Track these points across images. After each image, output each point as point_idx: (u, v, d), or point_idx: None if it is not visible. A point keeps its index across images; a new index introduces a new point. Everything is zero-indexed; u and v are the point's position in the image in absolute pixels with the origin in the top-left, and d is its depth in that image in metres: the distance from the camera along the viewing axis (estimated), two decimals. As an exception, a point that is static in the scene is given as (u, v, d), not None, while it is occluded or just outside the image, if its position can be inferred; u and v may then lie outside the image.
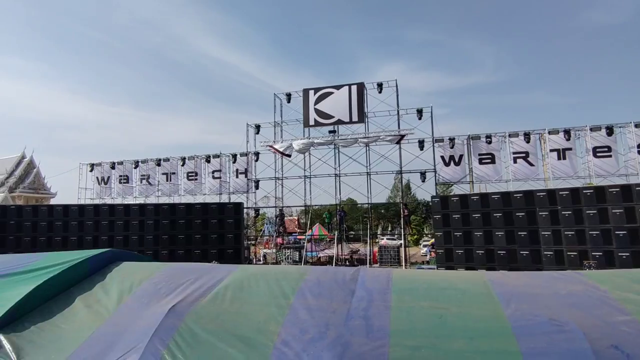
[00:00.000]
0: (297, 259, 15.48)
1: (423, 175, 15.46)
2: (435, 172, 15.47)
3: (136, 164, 19.24)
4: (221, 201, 17.81)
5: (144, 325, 3.04)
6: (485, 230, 13.19)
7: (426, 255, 22.63)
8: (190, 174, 18.85)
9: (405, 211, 15.86)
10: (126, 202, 17.22)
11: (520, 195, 12.88)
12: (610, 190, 11.64)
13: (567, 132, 14.62)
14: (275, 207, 17.52)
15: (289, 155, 16.53)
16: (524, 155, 15.34)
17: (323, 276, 3.59)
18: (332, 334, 2.69)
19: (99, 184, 20.18)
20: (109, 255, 4.44)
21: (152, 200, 18.84)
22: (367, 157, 16.42)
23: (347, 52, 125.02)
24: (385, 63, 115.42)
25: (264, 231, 24.75)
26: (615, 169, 14.51)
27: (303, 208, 19.24)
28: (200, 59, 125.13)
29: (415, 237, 52.69)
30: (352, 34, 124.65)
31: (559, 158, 15.01)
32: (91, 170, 19.90)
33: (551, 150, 14.94)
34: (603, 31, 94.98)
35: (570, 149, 14.93)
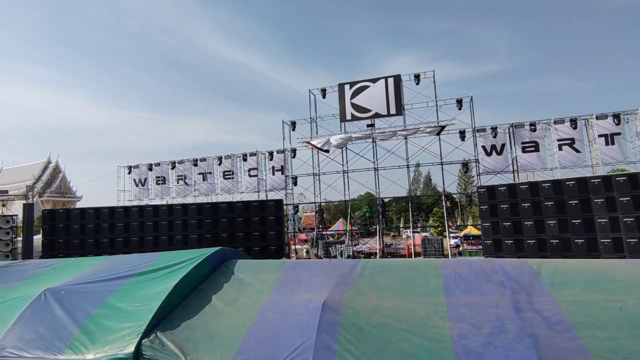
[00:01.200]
0: (349, 254, 15.43)
1: (465, 165, 15.24)
2: (477, 162, 15.22)
3: (173, 164, 19.49)
4: (259, 199, 17.92)
5: (301, 321, 3.05)
6: (536, 219, 12.93)
7: (457, 247, 22.40)
8: (226, 173, 19.00)
9: (448, 203, 15.71)
10: (168, 203, 17.48)
11: (573, 182, 12.54)
12: (671, 174, 11.24)
13: (616, 117, 14.17)
14: (314, 202, 17.57)
15: (327, 151, 16.51)
16: (569, 142, 14.94)
17: (460, 269, 3.54)
18: (511, 327, 2.64)
19: (136, 186, 20.54)
20: (222, 254, 4.49)
21: (189, 200, 19.09)
22: (406, 149, 16.28)
23: (358, 45, 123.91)
24: (396, 55, 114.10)
25: (296, 228, 24.88)
26: (668, 152, 14.02)
27: (315, 204, 19.11)
28: (212, 60, 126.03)
29: (439, 229, 52.24)
30: (362, 27, 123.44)
31: (607, 143, 14.56)
32: (129, 173, 20.27)
33: (599, 136, 14.51)
34: (618, 10, 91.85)
35: (619, 133, 14.48)
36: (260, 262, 4.39)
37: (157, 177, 20.06)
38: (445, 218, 15.65)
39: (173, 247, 15.75)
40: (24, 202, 16.40)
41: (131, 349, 3.04)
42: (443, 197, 15.69)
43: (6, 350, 3.29)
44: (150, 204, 17.78)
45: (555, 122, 14.74)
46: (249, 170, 18.63)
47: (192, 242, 15.86)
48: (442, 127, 15.26)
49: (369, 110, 16.36)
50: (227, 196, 18.97)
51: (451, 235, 33.16)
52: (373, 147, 16.67)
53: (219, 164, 18.55)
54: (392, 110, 16.04)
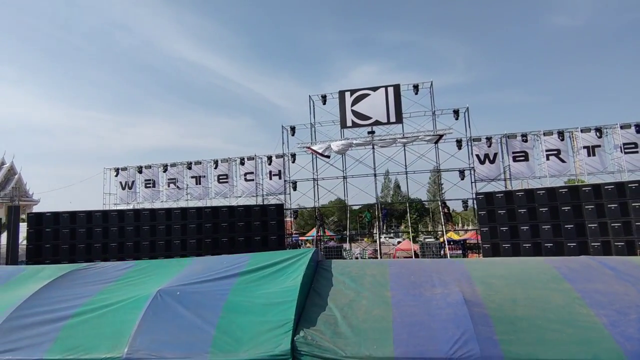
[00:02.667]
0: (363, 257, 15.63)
1: (462, 173, 15.95)
2: (473, 170, 15.99)
3: (165, 167, 18.93)
4: (256, 203, 17.77)
5: (448, 314, 3.21)
6: (531, 224, 13.75)
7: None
8: (221, 177, 18.70)
9: (445, 209, 16.35)
10: (162, 207, 16.95)
11: (566, 190, 13.51)
12: (653, 183, 12.39)
13: (598, 130, 15.42)
14: (315, 208, 17.64)
15: (328, 157, 16.70)
16: (556, 152, 16.05)
17: (567, 263, 3.85)
18: (655, 313, 2.95)
19: (123, 189, 19.73)
20: (317, 255, 4.56)
21: (182, 204, 18.59)
22: (404, 156, 16.80)
23: (324, 53, 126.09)
24: (362, 64, 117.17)
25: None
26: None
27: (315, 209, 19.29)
28: (175, 62, 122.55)
29: (413, 234, 53.32)
30: (328, 36, 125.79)
31: (589, 155, 15.79)
32: (116, 175, 19.44)
33: (584, 147, 15.70)
34: (564, 32, 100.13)
35: (599, 145, 15.74)
36: (360, 261, 4.50)
37: (146, 180, 19.39)
38: (443, 223, 16.27)
39: (171, 253, 15.29)
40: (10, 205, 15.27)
41: (287, 345, 3.07)
42: (440, 203, 16.32)
43: (142, 352, 3.21)
44: (146, 207, 17.14)
45: (544, 134, 15.80)
46: (245, 174, 18.46)
47: (191, 246, 15.49)
48: (440, 136, 15.92)
49: (370, 118, 16.77)
50: (221, 200, 18.67)
51: (426, 239, 34.13)
52: (372, 154, 17.08)
53: (215, 168, 18.24)
54: (392, 118, 16.54)
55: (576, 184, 15.37)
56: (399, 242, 34.14)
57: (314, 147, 16.62)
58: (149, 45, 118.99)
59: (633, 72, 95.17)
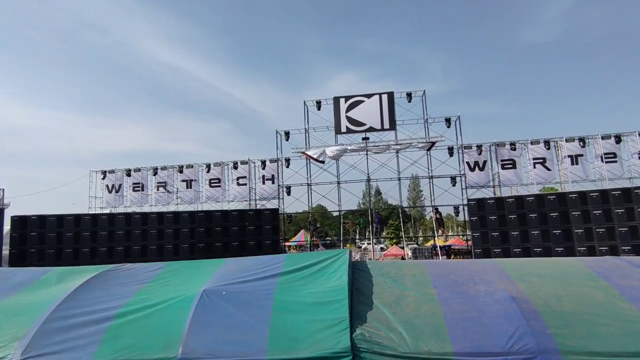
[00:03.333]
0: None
1: (453, 180, 16.37)
2: (465, 176, 16.45)
3: (155, 170, 18.54)
4: (249, 208, 17.65)
5: (498, 310, 3.33)
6: (521, 229, 14.23)
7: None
8: (213, 181, 18.47)
9: (437, 215, 16.71)
10: (158, 211, 16.60)
11: (554, 197, 14.07)
12: (635, 191, 13.09)
13: (581, 140, 16.17)
14: (309, 212, 17.64)
15: (323, 162, 16.80)
16: (542, 160, 16.71)
17: (603, 263, 4.07)
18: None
19: (109, 192, 19.19)
20: (350, 255, 4.62)
21: (171, 208, 18.24)
22: (397, 163, 17.11)
23: (303, 60, 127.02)
24: (341, 71, 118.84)
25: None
26: (620, 173, 16.22)
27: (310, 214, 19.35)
28: (150, 63, 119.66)
29: (394, 240, 54.40)
30: (307, 42, 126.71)
31: (572, 163, 16.52)
32: (103, 178, 18.89)
33: (568, 156, 16.42)
34: (535, 48, 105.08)
35: (582, 155, 16.50)
36: (396, 262, 4.60)
37: (134, 184, 18.94)
38: (435, 228, 16.60)
39: (163, 257, 14.95)
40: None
41: (346, 342, 3.11)
42: (432, 209, 16.68)
43: (197, 351, 3.18)
44: (137, 211, 16.73)
45: (531, 143, 16.44)
46: (238, 178, 18.32)
47: (184, 251, 15.21)
48: (433, 143, 16.31)
49: (364, 124, 17.01)
50: (212, 205, 18.42)
51: (408, 245, 34.68)
52: (366, 160, 17.32)
53: (207, 171, 18.02)
54: (386, 125, 16.83)
55: (546, 192, 16.13)
56: (381, 249, 34.46)
57: (309, 152, 16.70)
58: (123, 46, 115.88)
59: (600, 85, 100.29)
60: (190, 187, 18.63)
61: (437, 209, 16.69)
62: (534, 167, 16.71)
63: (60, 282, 4.44)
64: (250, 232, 15.53)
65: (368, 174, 17.27)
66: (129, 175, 18.64)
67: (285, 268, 4.25)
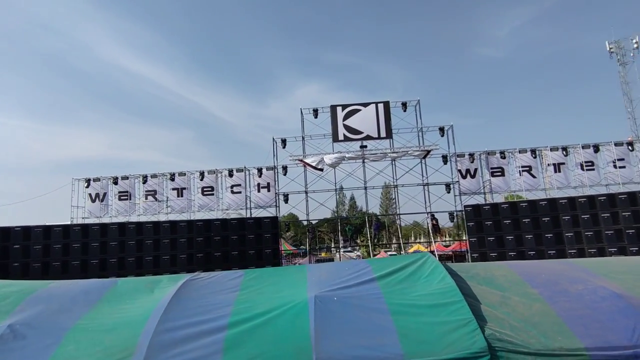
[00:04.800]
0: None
1: (448, 187, 16.93)
2: (458, 184, 17.06)
3: (145, 178, 17.80)
4: (245, 216, 17.33)
5: (609, 306, 3.51)
6: (515, 234, 14.91)
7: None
8: (205, 189, 17.99)
9: (434, 221, 17.16)
10: (154, 220, 15.92)
11: (545, 202, 14.89)
12: (619, 196, 14.10)
13: (564, 149, 17.26)
14: (307, 220, 17.54)
15: (322, 170, 16.84)
16: (528, 168, 17.65)
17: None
18: None
19: (92, 201, 18.20)
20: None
21: (161, 217, 17.57)
22: (393, 171, 17.47)
23: (268, 70, 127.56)
24: (306, 82, 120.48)
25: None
26: (598, 180, 17.44)
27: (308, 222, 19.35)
28: (109, 69, 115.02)
29: (369, 248, 54.78)
30: (272, 52, 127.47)
31: (555, 171, 17.57)
32: (87, 186, 17.90)
33: (552, 165, 17.45)
34: (489, 63, 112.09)
35: (564, 163, 17.60)
36: (480, 264, 4.71)
37: (120, 192, 18.10)
38: (431, 234, 17.04)
39: (159, 269, 14.33)
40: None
41: (483, 342, 3.16)
42: (427, 215, 17.13)
43: (334, 358, 3.12)
44: (131, 220, 15.96)
45: (519, 152, 17.34)
46: (232, 186, 17.97)
47: (181, 262, 14.67)
48: (428, 152, 16.82)
49: (361, 133, 17.27)
50: (205, 214, 17.94)
51: (388, 252, 35.22)
52: (363, 168, 17.56)
53: (201, 179, 17.56)
54: (383, 134, 17.18)
55: (517, 199, 17.05)
56: (357, 256, 34.79)
57: (307, 160, 16.70)
58: (78, 49, 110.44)
59: (550, 99, 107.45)
60: (182, 196, 18.05)
61: (433, 215, 17.16)
62: (521, 175, 17.61)
63: (138, 293, 4.20)
64: (250, 241, 15.25)
65: (365, 181, 17.49)
66: (115, 183, 17.79)
67: (376, 273, 4.25)
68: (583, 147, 17.28)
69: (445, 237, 29.73)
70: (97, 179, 17.93)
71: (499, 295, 3.89)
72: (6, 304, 4.06)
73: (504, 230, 15.03)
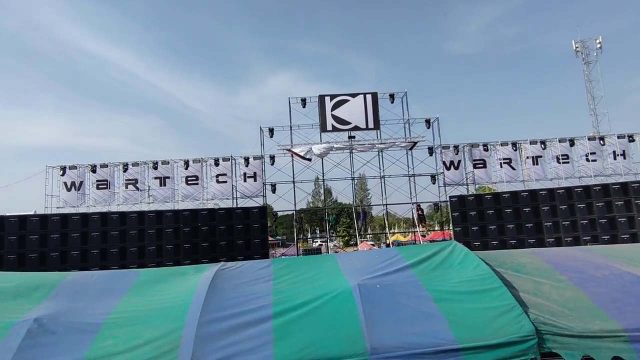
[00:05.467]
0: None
1: (433, 178, 17.28)
2: (443, 175, 17.45)
3: (125, 167, 17.06)
4: (231, 206, 17.03)
5: (637, 291, 3.70)
6: (498, 224, 15.45)
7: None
8: (190, 178, 17.49)
9: (420, 211, 17.48)
10: (137, 210, 15.33)
11: (527, 193, 15.49)
12: (594, 188, 14.87)
13: (542, 143, 17.97)
14: (295, 211, 17.40)
15: (310, 160, 16.72)
16: (508, 161, 18.28)
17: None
18: None
19: (68, 190, 17.31)
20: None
21: (143, 207, 16.97)
22: (379, 161, 17.63)
23: (240, 58, 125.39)
24: (279, 71, 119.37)
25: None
26: (572, 172, 18.31)
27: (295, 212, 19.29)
28: (69, 50, 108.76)
29: (346, 238, 55.89)
30: (246, 41, 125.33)
31: (533, 164, 18.29)
32: (62, 174, 16.98)
33: (528, 157, 18.14)
34: (459, 59, 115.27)
35: (541, 156, 18.34)
36: (503, 252, 4.82)
37: (98, 181, 17.32)
38: (417, 224, 17.38)
39: (144, 260, 13.91)
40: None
41: (530, 326, 3.24)
42: (411, 205, 17.45)
43: (386, 345, 3.12)
44: (114, 210, 15.30)
45: (501, 144, 17.90)
46: (217, 176, 17.58)
47: (168, 253, 14.29)
48: (415, 143, 17.06)
49: (349, 123, 17.27)
50: (189, 203, 17.49)
51: (369, 243, 35.67)
52: (350, 158, 17.61)
53: (186, 168, 17.05)
54: (370, 125, 17.25)
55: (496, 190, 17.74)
56: (334, 246, 35.13)
57: (296, 150, 16.55)
58: (35, 28, 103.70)
59: (515, 94, 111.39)
60: (164, 185, 17.49)
61: (419, 205, 17.49)
62: (501, 167, 18.22)
63: (165, 284, 4.03)
64: (239, 231, 15.01)
65: (352, 171, 17.57)
66: (94, 171, 16.99)
67: (410, 260, 4.27)
68: (560, 141, 18.06)
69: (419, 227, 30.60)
70: (73, 167, 17.02)
71: (531, 282, 4.00)
72: (30, 298, 3.80)
73: (487, 220, 15.53)
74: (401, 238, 29.30)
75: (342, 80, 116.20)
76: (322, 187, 17.44)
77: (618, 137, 17.91)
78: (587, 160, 18.05)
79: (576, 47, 39.66)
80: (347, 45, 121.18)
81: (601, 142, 18.09)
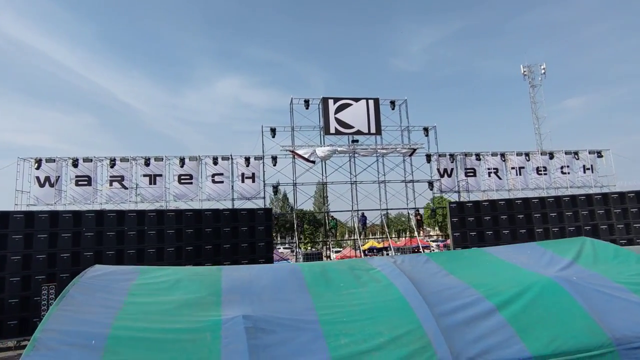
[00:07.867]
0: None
1: (431, 184, 17.75)
2: (439, 181, 18.00)
3: (112, 162, 15.57)
4: (227, 207, 16.23)
5: None
6: (494, 229, 16.21)
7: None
8: (183, 177, 16.37)
9: (417, 216, 17.82)
10: (136, 209, 14.00)
11: (520, 201, 16.44)
12: (579, 197, 16.18)
13: (527, 154, 19.23)
14: (294, 212, 16.87)
15: (313, 162, 16.42)
16: (495, 170, 19.31)
17: None
18: None
19: (41, 186, 15.44)
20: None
21: (131, 206, 15.61)
22: (377, 166, 17.80)
23: (185, 58, 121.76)
24: (226, 75, 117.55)
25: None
26: (549, 183, 19.77)
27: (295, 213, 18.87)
28: None
29: (309, 244, 55.85)
30: (191, 41, 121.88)
31: (516, 174, 19.50)
32: (37, 168, 15.09)
33: (512, 168, 19.32)
34: (402, 75, 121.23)
35: (523, 167, 19.61)
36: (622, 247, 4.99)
37: (78, 177, 15.69)
38: (416, 229, 17.69)
39: (144, 264, 12.66)
40: None
41: None
42: (408, 211, 17.76)
43: (628, 337, 3.09)
44: (105, 209, 13.84)
45: (491, 155, 18.88)
46: (213, 175, 16.69)
47: (169, 255, 13.24)
48: (414, 150, 17.46)
49: (352, 127, 17.26)
50: (181, 204, 16.39)
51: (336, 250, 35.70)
52: (350, 162, 17.58)
53: (181, 166, 15.99)
54: (373, 130, 17.38)
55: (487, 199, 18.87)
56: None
57: (299, 152, 16.19)
58: None
59: (450, 112, 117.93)
60: (154, 183, 16.23)
61: (417, 210, 17.85)
62: (489, 176, 19.20)
63: (346, 278, 3.69)
64: (244, 233, 14.31)
65: (351, 175, 17.56)
66: (75, 165, 15.34)
67: (565, 256, 4.30)
68: (541, 154, 19.48)
69: (407, 233, 31.23)
70: (51, 160, 15.20)
71: None
72: (201, 294, 3.28)
73: (484, 225, 16.23)
74: (376, 244, 29.72)
75: (290, 88, 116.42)
76: (324, 190, 17.20)
77: (589, 153, 19.75)
78: (562, 172, 19.64)
79: (524, 72, 43.37)
80: (296, 55, 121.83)
81: (575, 156, 19.81)
